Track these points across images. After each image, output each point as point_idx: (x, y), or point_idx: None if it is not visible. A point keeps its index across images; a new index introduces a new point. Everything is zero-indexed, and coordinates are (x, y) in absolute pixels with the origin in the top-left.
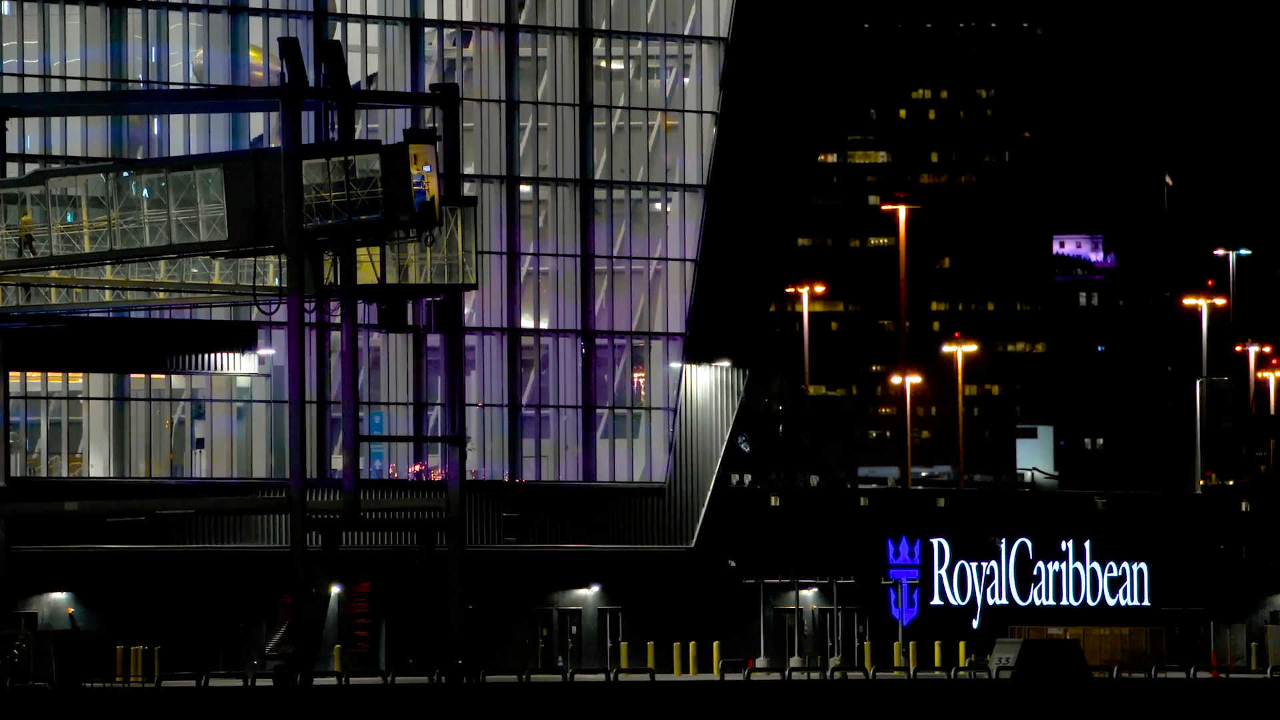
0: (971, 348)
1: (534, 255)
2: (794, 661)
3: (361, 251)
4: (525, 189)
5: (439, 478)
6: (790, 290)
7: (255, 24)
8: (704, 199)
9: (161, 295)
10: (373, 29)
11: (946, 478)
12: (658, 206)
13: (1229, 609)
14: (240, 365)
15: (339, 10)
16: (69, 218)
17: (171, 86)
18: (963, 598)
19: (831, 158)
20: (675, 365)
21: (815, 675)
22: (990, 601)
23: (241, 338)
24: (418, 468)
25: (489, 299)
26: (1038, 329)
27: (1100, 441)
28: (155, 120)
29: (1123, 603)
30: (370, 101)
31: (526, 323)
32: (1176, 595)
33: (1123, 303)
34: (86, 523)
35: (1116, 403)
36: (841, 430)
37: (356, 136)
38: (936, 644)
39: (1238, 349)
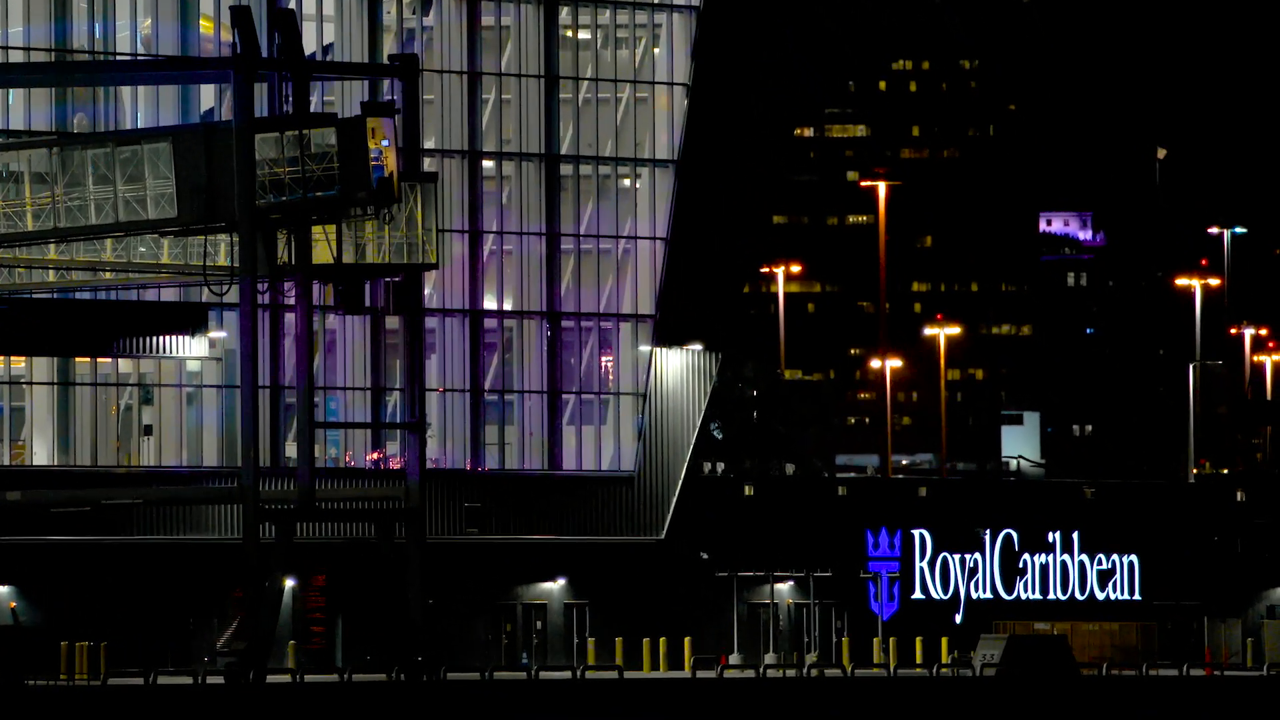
0: (954, 330)
1: (497, 234)
2: (769, 658)
3: (317, 230)
4: (488, 164)
5: (398, 466)
6: (765, 270)
7: None
8: (675, 175)
9: (108, 275)
10: None
11: (928, 466)
12: (626, 183)
13: (1224, 603)
14: (190, 349)
15: None
16: (11, 194)
17: (119, 58)
18: (945, 591)
19: (808, 132)
20: (645, 348)
21: (791, 673)
22: (974, 595)
23: (192, 320)
24: (376, 456)
25: (450, 279)
26: (1024, 311)
27: (1089, 428)
28: (102, 93)
29: (1112, 597)
30: (326, 73)
31: (489, 304)
32: (1169, 589)
33: (1112, 283)
34: (29, 513)
35: (1106, 388)
36: (818, 416)
37: (312, 109)
38: (918, 640)
39: (1233, 331)
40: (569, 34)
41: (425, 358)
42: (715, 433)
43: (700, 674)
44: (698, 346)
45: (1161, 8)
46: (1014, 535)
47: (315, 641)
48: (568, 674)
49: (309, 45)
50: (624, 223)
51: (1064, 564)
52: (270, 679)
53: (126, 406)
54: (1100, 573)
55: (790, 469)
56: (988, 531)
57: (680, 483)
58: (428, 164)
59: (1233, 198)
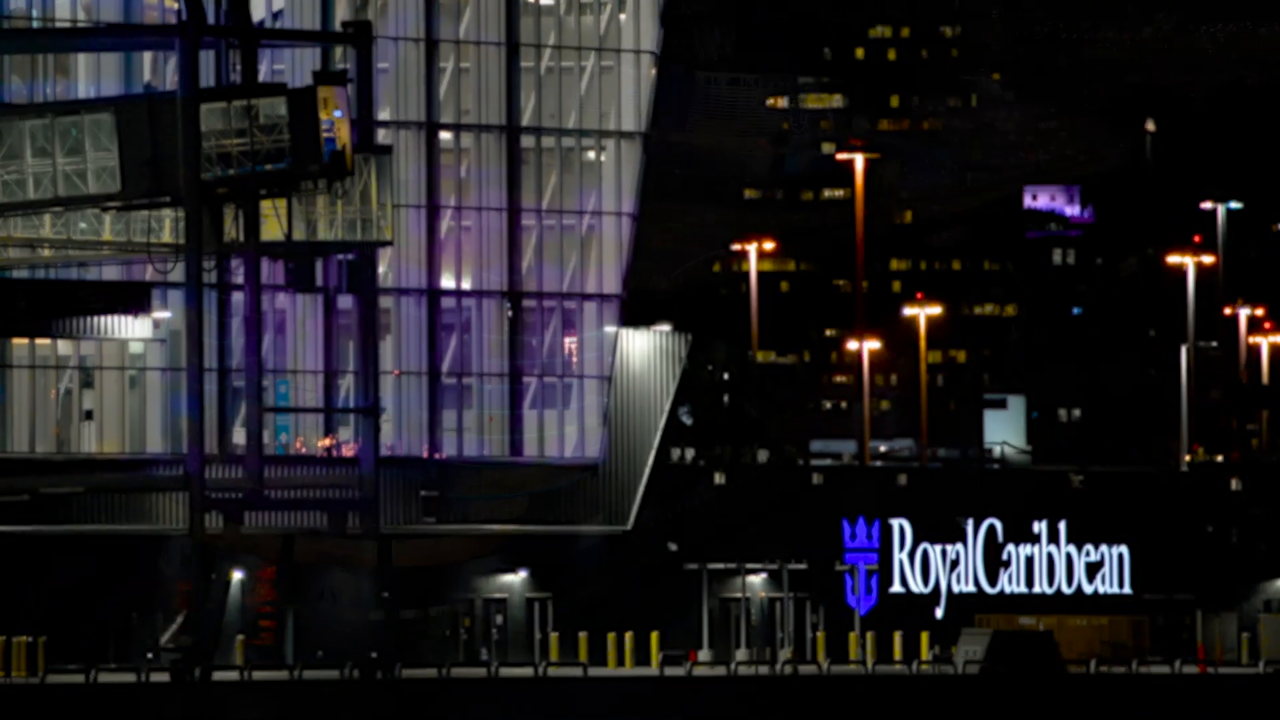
0: (935, 310)
1: (455, 209)
2: (740, 654)
3: (266, 205)
4: (446, 136)
5: (351, 453)
6: (737, 247)
7: None
8: (642, 147)
9: (47, 252)
10: None
11: (908, 453)
12: (591, 155)
13: (1218, 596)
14: (133, 329)
15: None
16: None
17: (58, 24)
18: (926, 584)
19: (781, 102)
20: (610, 330)
21: (764, 669)
22: (956, 589)
23: (134, 299)
24: (328, 442)
25: (405, 257)
26: (1008, 290)
27: (1076, 413)
28: (40, 63)
29: (1101, 590)
30: (275, 40)
31: (447, 283)
32: (1160, 582)
33: (1101, 261)
34: None
35: (1094, 371)
36: (793, 401)
37: (260, 79)
38: (897, 635)
39: (1227, 312)
40: None
41: (380, 339)
42: (684, 418)
43: (668, 671)
44: (666, 328)
45: None
46: (998, 525)
47: (264, 636)
48: (530, 671)
49: (258, 12)
50: (588, 198)
51: (1050, 556)
52: (217, 676)
53: (66, 390)
54: (1089, 565)
55: (763, 456)
56: (970, 521)
57: (648, 470)
58: (382, 136)
59: (1227, 170)
